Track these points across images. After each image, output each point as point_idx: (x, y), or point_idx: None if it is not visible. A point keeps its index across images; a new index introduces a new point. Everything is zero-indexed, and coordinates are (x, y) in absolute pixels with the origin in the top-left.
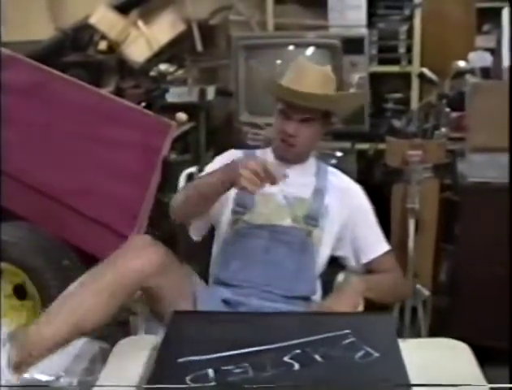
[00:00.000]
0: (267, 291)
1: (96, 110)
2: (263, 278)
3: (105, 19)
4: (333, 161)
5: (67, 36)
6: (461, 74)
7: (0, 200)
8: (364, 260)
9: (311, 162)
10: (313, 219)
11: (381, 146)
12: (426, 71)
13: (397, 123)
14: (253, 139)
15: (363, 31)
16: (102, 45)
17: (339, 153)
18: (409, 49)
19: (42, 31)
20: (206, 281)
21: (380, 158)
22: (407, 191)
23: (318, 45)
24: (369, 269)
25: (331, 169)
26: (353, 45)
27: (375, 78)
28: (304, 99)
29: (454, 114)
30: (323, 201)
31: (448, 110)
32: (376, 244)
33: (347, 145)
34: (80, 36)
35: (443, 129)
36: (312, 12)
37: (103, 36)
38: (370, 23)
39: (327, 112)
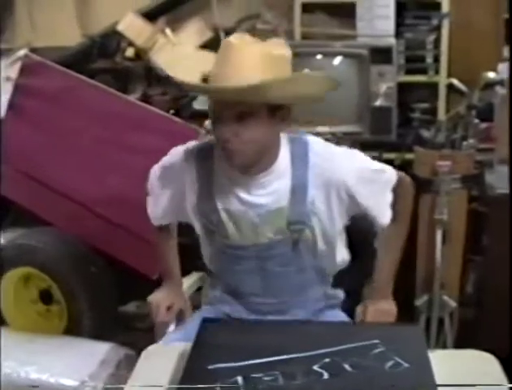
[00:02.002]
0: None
1: (124, 116)
2: (264, 291)
3: (132, 26)
4: None
5: (95, 42)
6: (490, 85)
7: (28, 204)
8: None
9: (281, 159)
10: (297, 223)
11: (408, 156)
12: (455, 81)
13: (425, 134)
14: None
15: (391, 41)
16: (130, 52)
17: None
18: (436, 59)
19: (70, 37)
20: None
21: (407, 168)
22: (435, 202)
23: (345, 55)
24: None
25: (313, 148)
26: (380, 54)
27: (402, 88)
28: (219, 93)
29: (483, 125)
30: (305, 199)
31: (476, 121)
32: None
33: (374, 154)
34: (108, 42)
35: (471, 140)
36: (340, 21)
37: (131, 43)
38: (398, 33)
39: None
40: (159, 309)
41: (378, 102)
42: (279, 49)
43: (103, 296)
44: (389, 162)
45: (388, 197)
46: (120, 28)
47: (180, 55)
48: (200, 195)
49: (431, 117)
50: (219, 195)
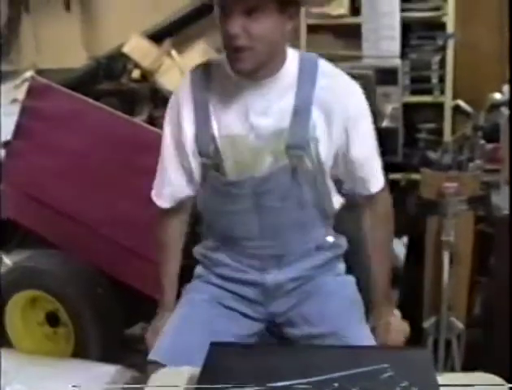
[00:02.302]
0: (275, 256)
1: (130, 138)
2: (262, 231)
3: (138, 48)
4: None
5: (101, 64)
6: (496, 106)
7: (34, 227)
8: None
9: (287, 68)
10: (297, 148)
11: (414, 176)
12: (461, 103)
13: (431, 155)
14: None
15: (397, 62)
16: (136, 74)
17: None
18: (441, 80)
19: (76, 59)
20: None
21: (413, 189)
22: (442, 224)
23: (351, 76)
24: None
25: (322, 69)
26: (386, 75)
27: (407, 108)
28: None
29: (489, 146)
30: (307, 122)
31: (483, 142)
32: (372, 179)
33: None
34: (114, 64)
35: (478, 161)
36: (345, 42)
37: (136, 65)
38: (403, 54)
39: None
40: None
41: (384, 123)
42: None
43: (110, 318)
44: (395, 182)
45: (378, 163)
46: (126, 49)
47: None
48: (197, 125)
49: (437, 137)
50: (217, 121)
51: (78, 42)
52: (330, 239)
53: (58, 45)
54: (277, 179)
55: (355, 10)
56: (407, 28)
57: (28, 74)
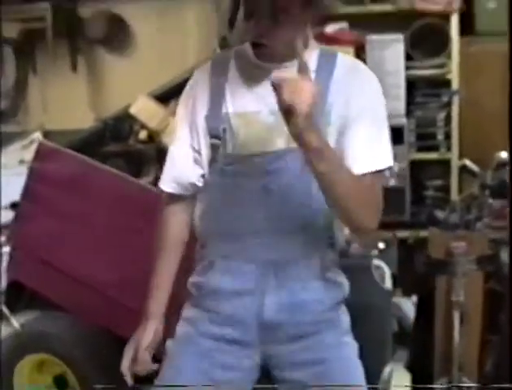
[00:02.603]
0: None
1: (137, 201)
2: (266, 223)
3: (145, 109)
4: (375, 252)
5: (108, 125)
6: (503, 164)
7: (41, 289)
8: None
9: (308, 54)
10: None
11: (422, 234)
12: (468, 162)
13: (439, 214)
14: None
15: (403, 121)
16: (143, 135)
17: (381, 245)
18: (447, 136)
19: (83, 120)
20: None
21: (421, 246)
22: (451, 283)
23: None
24: None
25: (341, 60)
26: (392, 134)
27: (414, 165)
28: None
29: (497, 204)
30: (324, 103)
31: (490, 200)
32: (364, 160)
33: (387, 235)
34: (121, 126)
35: (485, 219)
36: None
37: (143, 126)
38: (409, 111)
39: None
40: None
41: (390, 183)
42: None
43: (118, 379)
44: (403, 240)
45: (375, 152)
46: (133, 111)
47: None
48: (210, 106)
49: (444, 194)
50: (231, 99)
51: (85, 103)
52: (335, 267)
53: (65, 106)
54: (288, 159)
55: None
56: (412, 85)
57: (36, 135)
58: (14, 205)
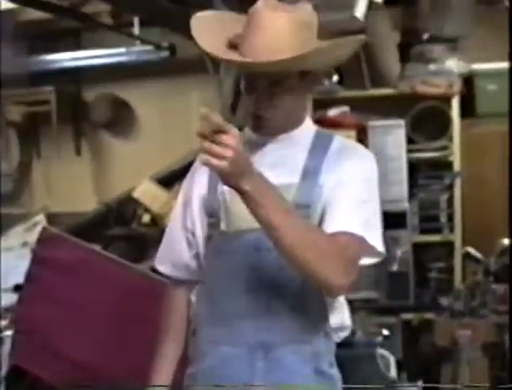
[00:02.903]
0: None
1: (137, 289)
2: (256, 304)
3: (148, 193)
4: (379, 339)
5: (111, 209)
6: (505, 251)
7: (43, 374)
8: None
9: (304, 130)
10: (304, 207)
11: (426, 316)
12: (471, 250)
13: (443, 301)
14: None
15: (405, 205)
16: (146, 219)
17: (385, 332)
18: (450, 218)
19: (86, 203)
20: None
21: (426, 329)
22: (457, 370)
23: None
24: None
25: (336, 139)
26: (395, 219)
27: (417, 248)
28: (253, 68)
29: (500, 288)
30: (316, 182)
31: (494, 286)
32: (339, 219)
33: (392, 320)
34: (124, 209)
35: (490, 306)
36: None
37: (147, 210)
38: (411, 194)
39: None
40: None
41: (394, 267)
42: (308, 12)
43: None
44: (407, 322)
45: (359, 220)
46: (136, 194)
47: None
48: (208, 186)
49: (447, 276)
50: None
51: (88, 186)
52: (328, 357)
53: (68, 189)
54: None
55: None
56: (414, 168)
57: (39, 217)
58: (17, 288)
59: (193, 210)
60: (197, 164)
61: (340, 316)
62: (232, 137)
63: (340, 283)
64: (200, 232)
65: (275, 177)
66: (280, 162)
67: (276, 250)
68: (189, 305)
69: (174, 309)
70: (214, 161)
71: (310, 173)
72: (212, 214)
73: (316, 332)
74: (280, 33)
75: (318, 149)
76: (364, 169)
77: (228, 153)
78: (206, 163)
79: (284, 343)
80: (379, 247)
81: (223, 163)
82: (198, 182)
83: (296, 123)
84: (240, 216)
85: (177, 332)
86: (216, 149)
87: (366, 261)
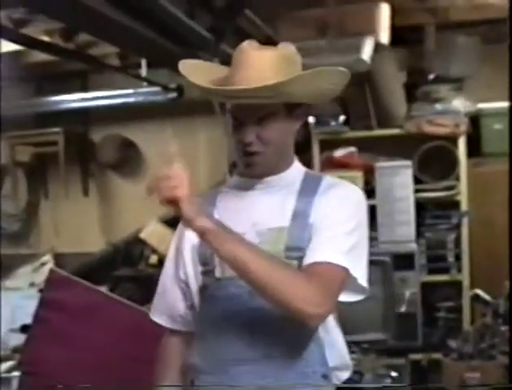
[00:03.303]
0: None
1: (145, 330)
2: (253, 351)
3: (155, 234)
4: (388, 381)
5: (118, 250)
6: None
7: None
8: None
9: (293, 172)
10: (296, 250)
11: (434, 356)
12: (480, 292)
13: (452, 343)
14: None
15: (413, 246)
16: (153, 260)
17: (394, 373)
18: (458, 258)
19: (94, 243)
20: None
21: (435, 369)
22: None
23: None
24: None
25: (325, 179)
26: (403, 261)
27: (425, 287)
28: (240, 96)
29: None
30: (306, 224)
31: (504, 328)
32: (318, 249)
33: (400, 361)
34: (131, 250)
35: (499, 347)
36: None
37: (154, 251)
38: (419, 233)
39: (294, 103)
40: None
41: (402, 309)
42: (290, 50)
43: None
44: (416, 362)
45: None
46: (143, 235)
47: None
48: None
49: (456, 315)
50: None
51: (96, 227)
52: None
53: (76, 229)
54: None
55: (370, 192)
56: (421, 207)
57: (46, 257)
58: (24, 329)
59: (186, 261)
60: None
61: (338, 354)
62: (179, 170)
63: (314, 312)
64: (194, 282)
65: (265, 221)
66: (271, 207)
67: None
68: (184, 356)
69: (169, 358)
70: (167, 193)
71: (300, 215)
72: (205, 262)
73: (314, 376)
74: (265, 66)
75: (308, 190)
76: (350, 203)
77: (176, 181)
78: (161, 202)
79: (282, 388)
80: (364, 282)
81: (177, 192)
82: (189, 232)
83: (285, 164)
84: None
85: (172, 383)
86: (165, 182)
87: (349, 297)
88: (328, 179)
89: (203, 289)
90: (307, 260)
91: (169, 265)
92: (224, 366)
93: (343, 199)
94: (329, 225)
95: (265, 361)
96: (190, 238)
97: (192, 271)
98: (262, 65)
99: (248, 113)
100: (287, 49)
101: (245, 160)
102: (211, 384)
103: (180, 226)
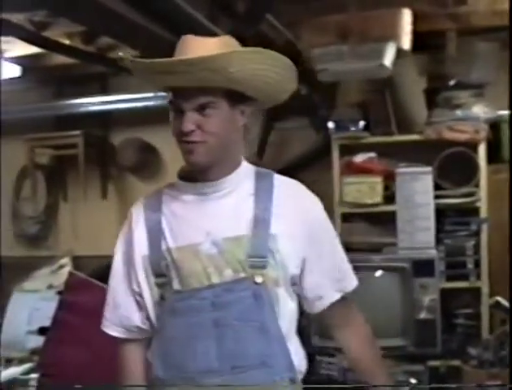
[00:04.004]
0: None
1: None
2: (220, 363)
3: None
4: (406, 388)
5: None
6: None
7: None
8: (316, 309)
9: (242, 173)
10: (259, 258)
11: (453, 363)
12: (500, 299)
13: (472, 351)
14: (326, 368)
15: (433, 253)
16: None
17: (413, 380)
18: (477, 265)
19: (112, 246)
20: None
21: (453, 377)
22: None
23: (387, 268)
24: (321, 316)
25: (278, 178)
26: (422, 267)
27: (444, 294)
28: (179, 72)
29: None
30: (267, 231)
31: None
32: (348, 278)
33: (419, 367)
34: None
35: None
36: (380, 229)
37: None
38: (438, 240)
39: (236, 94)
40: None
41: (421, 315)
42: (232, 40)
43: None
44: (434, 369)
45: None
46: None
47: None
48: (150, 245)
49: (475, 322)
50: (171, 234)
51: (114, 230)
52: None
53: (95, 232)
54: (237, 290)
55: (389, 198)
56: (441, 213)
57: (65, 260)
58: (42, 331)
59: (137, 272)
60: (133, 217)
61: (300, 357)
62: None
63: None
64: (148, 294)
65: (220, 231)
66: (224, 214)
67: None
68: (146, 365)
69: (131, 366)
70: None
71: (260, 223)
72: (160, 274)
73: (283, 383)
74: (207, 48)
75: (263, 193)
76: (321, 215)
77: None
78: None
79: None
80: (355, 282)
81: None
82: (137, 239)
83: (232, 164)
84: (193, 274)
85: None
86: None
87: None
88: (278, 178)
89: (161, 301)
90: (324, 298)
91: (118, 277)
92: (192, 378)
93: (313, 212)
94: (325, 257)
95: (233, 372)
96: (140, 248)
97: (145, 283)
98: (204, 47)
99: (187, 98)
100: (228, 38)
101: (186, 148)
102: None
103: (126, 229)
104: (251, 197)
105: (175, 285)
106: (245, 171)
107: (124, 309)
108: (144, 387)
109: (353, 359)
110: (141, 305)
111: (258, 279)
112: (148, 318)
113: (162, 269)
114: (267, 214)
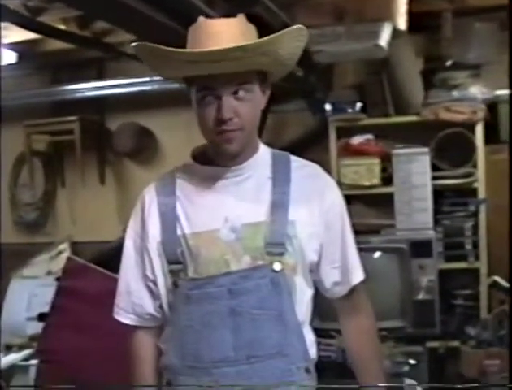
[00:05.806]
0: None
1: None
2: (236, 352)
3: None
4: (406, 368)
5: None
6: None
7: None
8: (335, 295)
9: (261, 157)
10: (278, 245)
11: (452, 344)
12: (498, 279)
13: (471, 331)
14: (324, 350)
15: (431, 233)
16: None
17: (412, 361)
18: (475, 245)
19: (111, 232)
20: None
21: (452, 357)
22: None
23: (385, 250)
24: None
25: (295, 160)
26: (420, 248)
27: (442, 275)
28: (214, 60)
29: None
30: (286, 217)
31: None
32: (355, 270)
33: (418, 348)
34: None
35: None
36: (377, 211)
37: None
38: (436, 221)
39: (264, 74)
40: None
41: (420, 296)
42: (244, 20)
43: None
44: (433, 349)
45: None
46: None
47: None
48: (163, 230)
49: (473, 303)
50: (187, 220)
51: (113, 215)
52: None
53: (93, 217)
54: (255, 278)
55: (387, 179)
56: (439, 194)
57: (63, 246)
58: (41, 317)
59: (152, 259)
60: (146, 201)
61: (314, 345)
62: None
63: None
64: (162, 282)
65: (238, 217)
66: (243, 200)
67: None
68: (158, 352)
69: (143, 353)
70: None
71: (279, 209)
72: (175, 261)
73: (299, 372)
74: (232, 31)
75: (281, 176)
76: (338, 199)
77: None
78: None
79: (266, 388)
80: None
81: None
82: (150, 224)
83: (251, 148)
84: (211, 261)
85: (149, 378)
86: None
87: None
88: (294, 160)
89: (174, 289)
90: (345, 282)
91: (130, 263)
92: (207, 368)
93: (331, 199)
94: (337, 232)
95: (249, 361)
96: (154, 234)
97: (160, 270)
98: (230, 31)
99: (223, 83)
100: (242, 17)
101: (222, 138)
102: (196, 385)
103: (138, 213)
104: (269, 180)
105: (191, 272)
106: (263, 155)
107: (137, 296)
108: (144, 388)
109: (349, 349)
110: (154, 293)
111: (277, 267)
112: (161, 305)
113: (177, 256)
114: (285, 198)
